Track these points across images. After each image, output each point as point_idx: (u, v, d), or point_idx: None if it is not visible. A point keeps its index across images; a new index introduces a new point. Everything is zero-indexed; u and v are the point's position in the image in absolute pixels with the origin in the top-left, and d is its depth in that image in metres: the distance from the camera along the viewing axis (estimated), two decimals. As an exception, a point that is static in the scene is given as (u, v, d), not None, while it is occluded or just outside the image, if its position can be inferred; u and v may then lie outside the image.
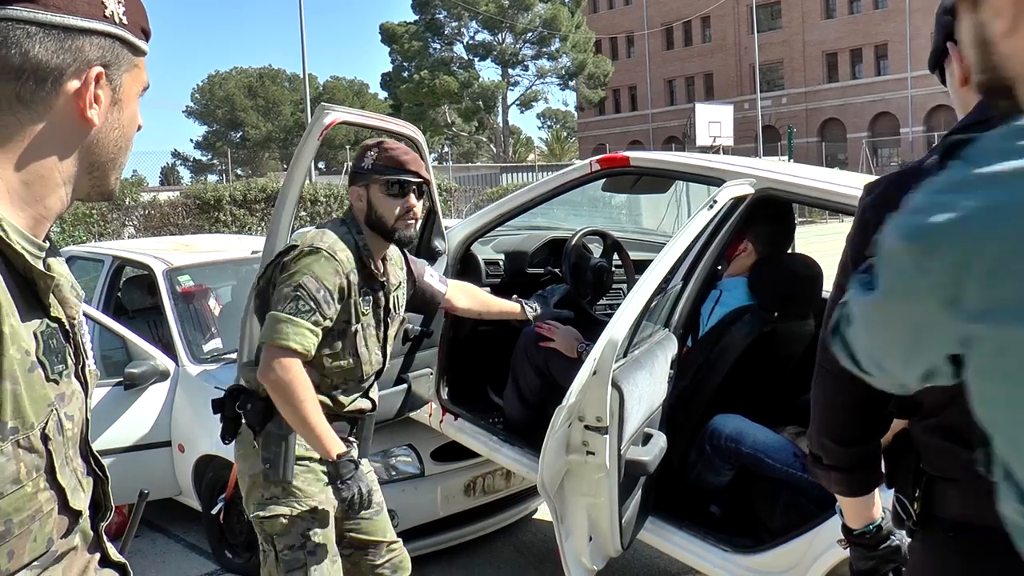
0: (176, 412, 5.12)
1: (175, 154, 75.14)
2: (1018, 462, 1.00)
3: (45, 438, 1.25)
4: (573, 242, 4.41)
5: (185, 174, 74.61)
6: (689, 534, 3.40)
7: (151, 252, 6.11)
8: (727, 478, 3.53)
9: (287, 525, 2.97)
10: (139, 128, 1.44)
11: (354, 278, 3.02)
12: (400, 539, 3.38)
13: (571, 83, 58.61)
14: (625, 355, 2.85)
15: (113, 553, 1.47)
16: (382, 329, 3.20)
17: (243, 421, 3.06)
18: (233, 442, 3.15)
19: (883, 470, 1.81)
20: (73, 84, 1.28)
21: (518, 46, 56.58)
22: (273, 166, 60.71)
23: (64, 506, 1.30)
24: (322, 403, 2.96)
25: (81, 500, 1.35)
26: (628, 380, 2.87)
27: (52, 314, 1.29)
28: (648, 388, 3.09)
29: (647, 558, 4.70)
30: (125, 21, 1.33)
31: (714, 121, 32.38)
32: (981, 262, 0.95)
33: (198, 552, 5.08)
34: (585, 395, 2.82)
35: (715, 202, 3.14)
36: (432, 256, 4.01)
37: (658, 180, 4.29)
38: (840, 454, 1.76)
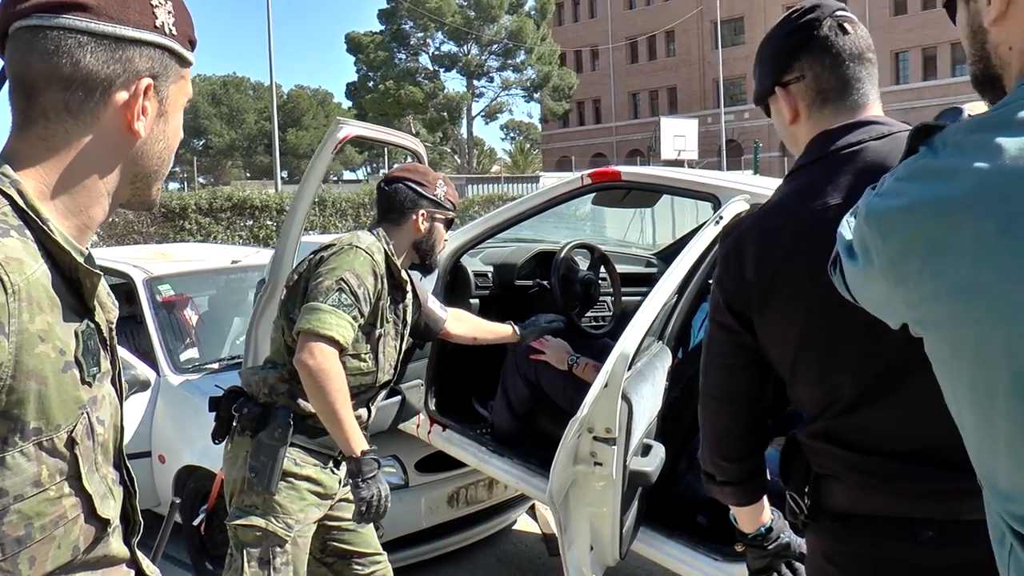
0: (157, 422, 5.10)
1: (136, 162, 74.49)
2: (967, 439, 1.09)
3: (72, 441, 1.24)
4: (562, 255, 4.45)
5: (148, 182, 74.12)
6: (679, 543, 3.44)
7: (130, 261, 6.08)
8: (717, 488, 3.58)
9: (259, 537, 2.97)
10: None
11: (385, 282, 3.10)
12: (384, 552, 3.39)
13: (536, 95, 58.77)
14: (629, 367, 2.89)
15: (148, 567, 1.45)
16: (399, 341, 3.26)
17: (235, 424, 3.07)
18: (225, 445, 3.16)
19: (770, 474, 2.00)
20: (122, 95, 1.28)
21: (483, 57, 56.67)
22: (236, 174, 60.32)
23: (91, 514, 1.29)
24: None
25: (111, 508, 1.33)
26: (635, 392, 2.92)
27: (94, 317, 1.29)
28: (651, 400, 3.14)
29: (642, 566, 4.75)
30: (174, 32, 1.33)
31: (679, 135, 32.60)
32: (918, 251, 1.05)
33: (177, 564, 5.06)
34: (596, 407, 2.86)
35: (721, 218, 3.19)
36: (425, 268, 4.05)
37: (646, 194, 4.35)
38: (731, 470, 1.95)
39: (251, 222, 21.52)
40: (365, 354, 3.12)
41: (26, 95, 1.26)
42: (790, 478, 1.86)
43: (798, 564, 2.09)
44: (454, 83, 58.17)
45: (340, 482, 3.17)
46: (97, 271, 1.28)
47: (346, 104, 60.40)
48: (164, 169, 1.41)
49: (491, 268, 4.60)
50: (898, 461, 1.63)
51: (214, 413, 3.15)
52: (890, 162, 1.49)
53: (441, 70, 56.50)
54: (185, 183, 56.50)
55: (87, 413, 1.26)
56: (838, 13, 1.85)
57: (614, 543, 3.03)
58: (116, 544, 1.36)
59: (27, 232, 1.20)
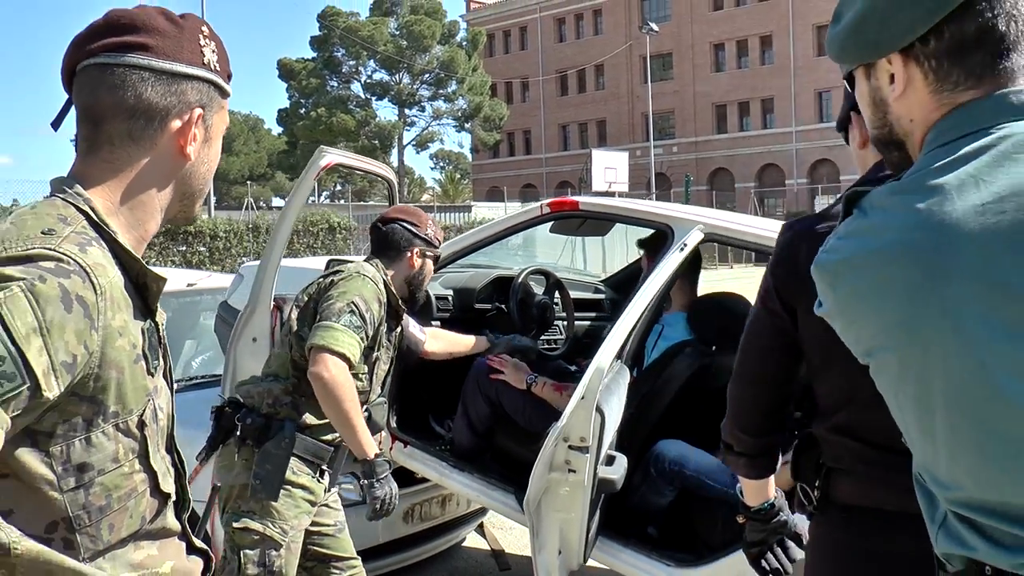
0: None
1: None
2: (911, 441, 1.35)
3: (142, 424, 1.43)
4: (519, 280, 4.66)
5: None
6: (635, 551, 3.64)
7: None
8: (669, 499, 3.80)
9: (257, 541, 3.12)
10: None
11: (385, 310, 3.34)
12: (359, 557, 3.56)
13: (467, 125, 59.13)
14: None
15: (195, 541, 1.63)
16: (389, 364, 3.51)
17: (237, 433, 3.21)
18: (208, 455, 3.30)
19: (785, 462, 2.17)
20: (176, 123, 1.48)
21: (415, 87, 56.90)
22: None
23: (155, 488, 1.48)
24: (320, 425, 3.17)
25: (170, 485, 1.52)
26: (606, 404, 3.13)
27: (155, 317, 1.49)
28: (617, 412, 3.36)
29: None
30: (217, 68, 1.54)
31: (610, 167, 33.14)
32: (861, 296, 1.30)
33: None
34: (573, 417, 3.06)
35: (685, 245, 3.43)
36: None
37: (602, 223, 4.57)
38: (749, 443, 2.13)
39: (184, 247, 21.38)
40: (363, 374, 3.35)
41: (93, 124, 1.45)
42: (801, 472, 2.06)
43: (791, 543, 2.28)
44: (386, 112, 58.35)
45: (325, 489, 3.33)
46: (163, 277, 1.48)
47: (277, 130, 60.09)
48: (206, 188, 1.62)
49: (451, 292, 4.78)
50: (903, 457, 1.85)
51: (214, 422, 3.29)
52: None
53: (373, 98, 56.61)
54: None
55: (152, 399, 1.46)
56: None
57: (580, 547, 3.22)
58: (171, 518, 1.54)
59: (102, 243, 1.38)
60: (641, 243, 4.52)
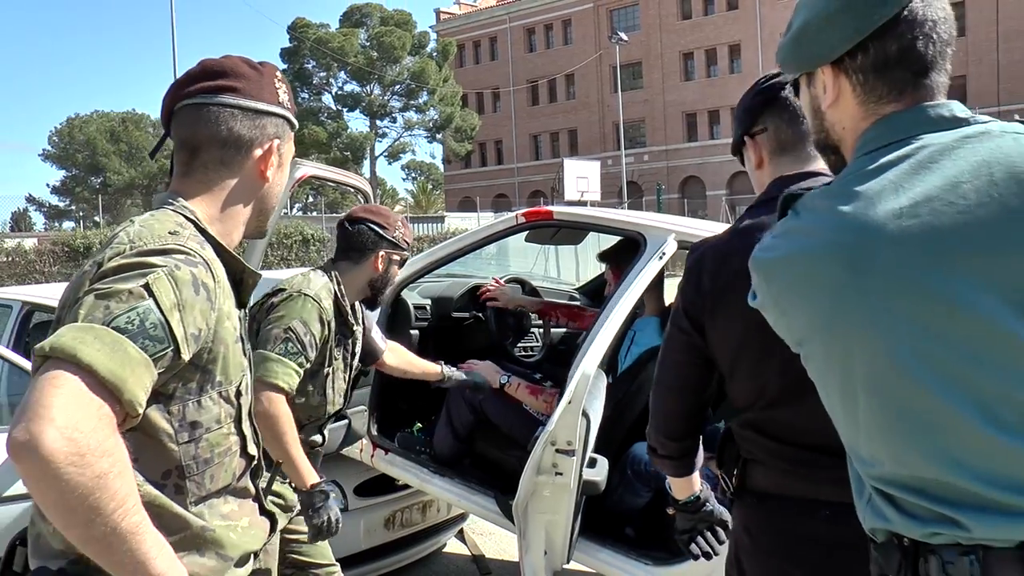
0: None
1: (30, 199, 72.47)
2: (837, 423, 1.51)
3: (239, 393, 1.73)
4: None
5: (39, 220, 72.07)
6: (613, 551, 3.72)
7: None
8: (645, 500, 3.89)
9: None
10: None
11: (332, 325, 3.30)
12: (337, 563, 3.62)
13: (438, 136, 59.18)
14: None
15: (267, 504, 1.90)
16: (348, 372, 3.49)
17: None
18: None
19: (705, 455, 2.37)
20: (258, 152, 1.78)
21: (386, 98, 56.96)
22: (136, 213, 58.64)
23: (243, 450, 1.78)
24: None
25: (254, 448, 1.82)
26: (591, 408, 3.22)
27: (245, 309, 1.83)
28: (599, 416, 3.45)
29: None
30: (288, 105, 1.85)
31: (582, 176, 33.22)
32: (792, 290, 1.47)
33: None
34: (561, 421, 3.15)
35: (664, 253, 3.53)
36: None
37: (575, 232, 4.66)
38: (671, 447, 2.30)
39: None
40: (314, 392, 3.34)
41: (191, 152, 1.76)
42: (723, 462, 2.23)
43: (720, 529, 2.46)
44: (357, 123, 58.51)
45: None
46: (259, 273, 1.83)
47: (248, 142, 59.63)
48: (278, 206, 1.96)
49: (429, 301, 4.85)
50: (808, 451, 1.99)
51: None
52: None
53: (344, 110, 56.66)
54: (82, 222, 55.15)
55: (245, 375, 1.77)
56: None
57: (564, 548, 3.31)
58: (249, 481, 1.82)
59: (207, 244, 1.69)
60: (603, 256, 4.57)
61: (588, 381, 3.16)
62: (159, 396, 1.55)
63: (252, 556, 1.84)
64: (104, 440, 1.34)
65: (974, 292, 1.28)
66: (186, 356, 1.53)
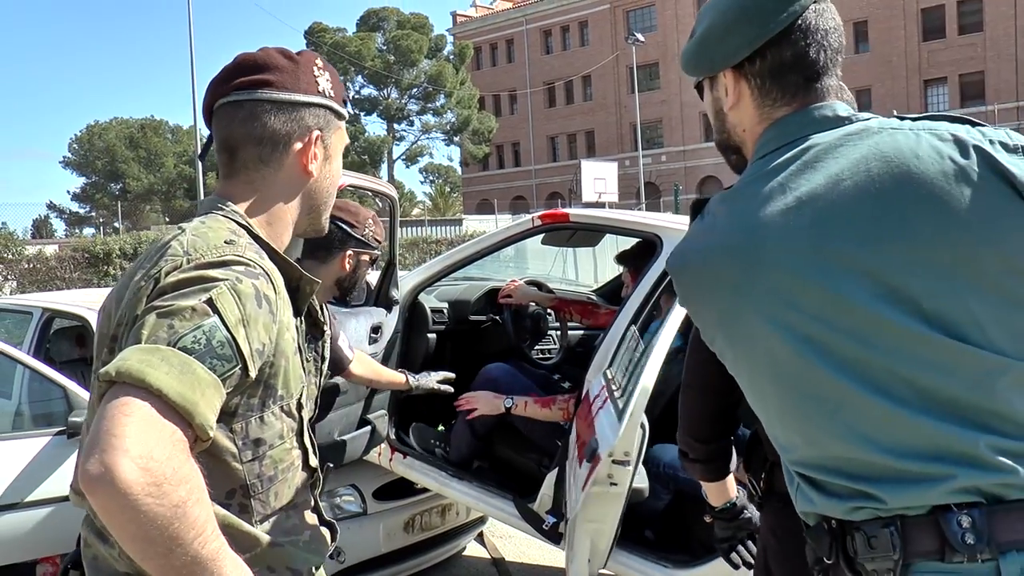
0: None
1: (51, 206, 73.12)
2: (756, 412, 1.58)
3: (299, 406, 1.68)
4: None
5: (59, 226, 72.58)
6: (632, 554, 3.72)
7: (84, 304, 6.16)
8: (664, 502, 3.88)
9: None
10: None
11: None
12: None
13: (456, 138, 59.26)
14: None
15: (326, 514, 1.85)
16: (319, 376, 3.43)
17: None
18: None
19: (738, 459, 2.36)
20: (297, 145, 1.70)
21: (404, 101, 57.09)
22: (155, 219, 59.42)
23: (305, 464, 1.73)
24: None
25: (315, 460, 1.76)
26: (644, 418, 3.21)
27: (302, 317, 1.76)
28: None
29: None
30: (332, 94, 1.75)
31: (599, 177, 33.14)
32: (699, 288, 1.55)
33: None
34: (624, 435, 3.13)
35: None
36: (389, 305, 4.29)
37: (592, 234, 4.66)
38: (701, 450, 2.30)
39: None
40: None
41: (230, 152, 1.69)
42: (751, 466, 2.23)
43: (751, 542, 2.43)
44: (375, 127, 58.46)
45: None
46: (317, 280, 1.76)
47: (266, 147, 59.93)
48: (330, 201, 1.84)
49: (446, 304, 4.86)
50: None
51: None
52: None
53: (362, 114, 56.77)
54: (101, 228, 55.51)
55: (305, 386, 1.73)
56: None
57: (604, 554, 3.32)
58: (309, 492, 1.78)
59: (263, 252, 1.62)
60: (621, 258, 4.56)
61: (647, 395, 3.14)
62: (222, 414, 1.47)
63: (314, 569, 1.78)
64: (180, 467, 1.28)
65: (855, 282, 1.37)
66: (253, 373, 1.47)
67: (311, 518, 1.77)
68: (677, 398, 3.92)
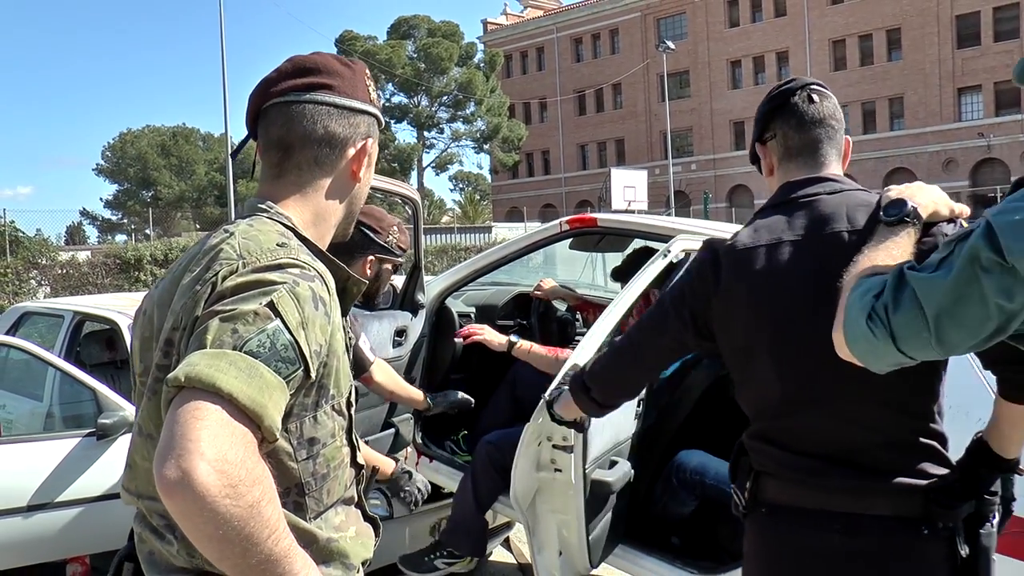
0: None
1: (84, 213, 73.89)
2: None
3: (349, 404, 1.70)
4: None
5: (92, 233, 73.33)
6: (657, 559, 3.69)
7: (113, 307, 6.21)
8: (691, 508, 3.86)
9: None
10: None
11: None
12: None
13: (486, 146, 59.33)
14: None
15: (369, 509, 1.87)
16: None
17: None
18: None
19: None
20: (351, 151, 1.73)
21: (434, 109, 57.25)
22: (186, 226, 59.80)
23: (353, 461, 1.76)
24: None
25: (361, 458, 1.79)
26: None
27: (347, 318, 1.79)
28: (611, 419, 3.36)
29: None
30: (378, 104, 1.79)
31: (629, 185, 33.04)
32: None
33: None
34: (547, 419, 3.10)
35: (669, 251, 3.49)
36: (415, 308, 4.30)
37: (619, 239, 4.64)
38: (606, 403, 2.46)
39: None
40: None
41: (284, 152, 1.70)
42: (736, 476, 2.22)
43: None
44: (405, 134, 58.69)
45: None
46: (364, 281, 1.78)
47: (297, 155, 60.28)
48: (362, 207, 1.89)
49: (473, 309, 4.86)
50: (818, 460, 2.01)
51: None
52: (839, 213, 2.03)
53: (392, 121, 56.93)
54: (133, 235, 56.02)
55: (353, 385, 1.75)
56: (811, 86, 2.24)
57: (582, 550, 3.28)
58: (354, 488, 1.79)
59: (312, 254, 1.63)
60: (616, 275, 4.53)
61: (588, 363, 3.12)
62: None
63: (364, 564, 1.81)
64: (253, 468, 1.32)
65: None
66: (313, 375, 1.50)
67: (356, 514, 1.79)
68: (696, 407, 3.94)
